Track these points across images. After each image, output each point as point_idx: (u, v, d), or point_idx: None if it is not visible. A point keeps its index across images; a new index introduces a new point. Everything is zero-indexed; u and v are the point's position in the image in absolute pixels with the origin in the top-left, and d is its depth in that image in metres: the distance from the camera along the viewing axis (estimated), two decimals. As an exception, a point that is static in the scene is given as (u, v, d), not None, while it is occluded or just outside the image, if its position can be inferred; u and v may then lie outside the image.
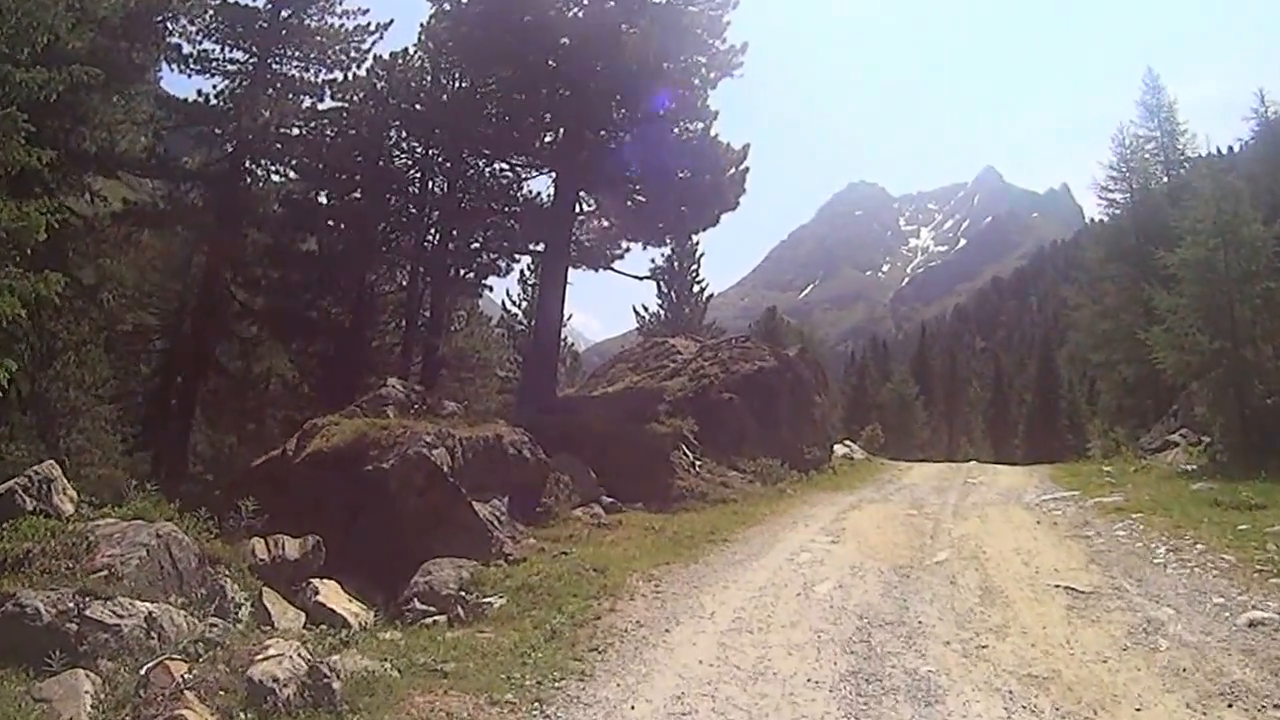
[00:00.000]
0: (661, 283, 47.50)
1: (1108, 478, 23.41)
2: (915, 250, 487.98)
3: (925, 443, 64.80)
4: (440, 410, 18.42)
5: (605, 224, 30.06)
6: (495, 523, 14.70)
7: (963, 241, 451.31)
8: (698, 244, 48.32)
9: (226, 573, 10.95)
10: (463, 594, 11.76)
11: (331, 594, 11.24)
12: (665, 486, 20.71)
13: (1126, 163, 40.29)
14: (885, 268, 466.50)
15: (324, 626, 9.93)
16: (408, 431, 15.09)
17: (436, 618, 11.16)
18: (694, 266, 49.08)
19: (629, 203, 28.27)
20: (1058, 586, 11.27)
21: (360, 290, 31.49)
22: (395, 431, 15.17)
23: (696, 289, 49.61)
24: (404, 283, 33.41)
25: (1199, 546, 13.02)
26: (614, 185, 27.96)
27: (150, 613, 8.36)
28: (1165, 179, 39.33)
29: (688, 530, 16.34)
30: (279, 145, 29.66)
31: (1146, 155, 40.12)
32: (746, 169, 27.31)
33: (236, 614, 9.99)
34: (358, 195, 30.81)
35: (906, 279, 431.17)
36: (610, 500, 18.95)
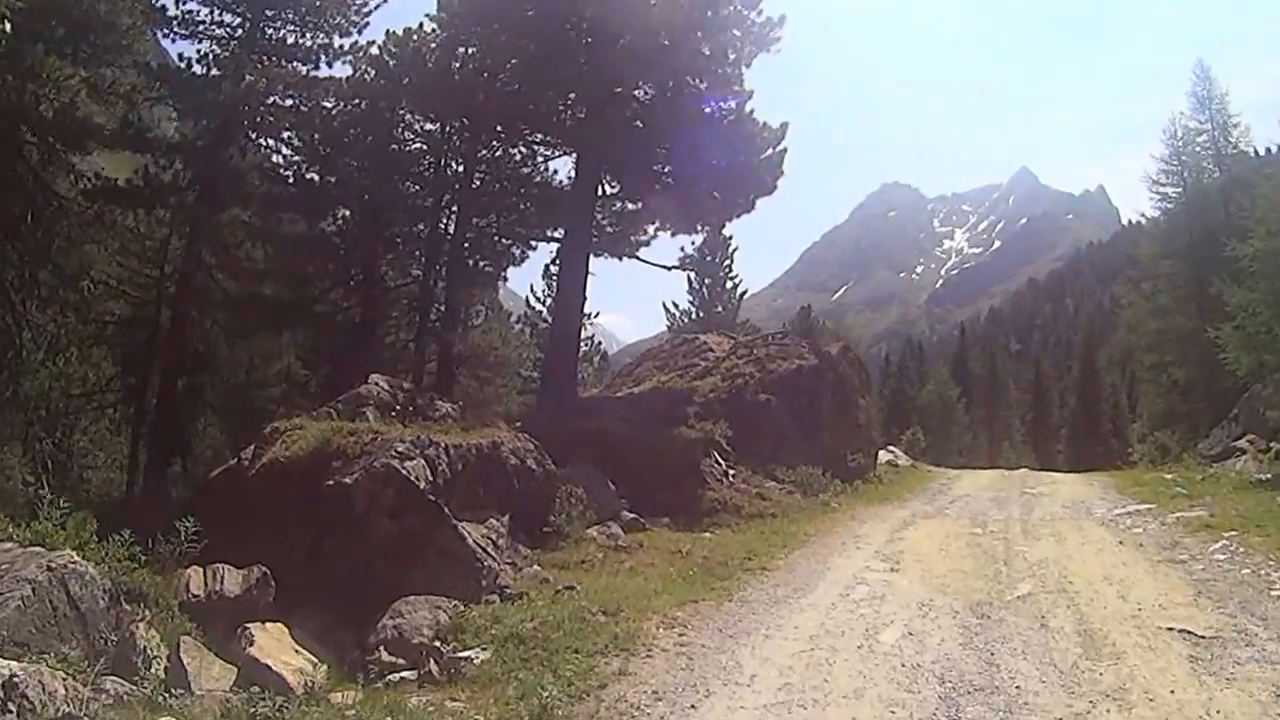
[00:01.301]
0: (692, 276, 45.32)
1: (1178, 488, 21.44)
2: (949, 252, 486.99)
3: (966, 447, 63.10)
4: (431, 412, 15.90)
5: (630, 208, 28.16)
6: (489, 549, 12.32)
7: (997, 243, 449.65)
8: (730, 237, 46.60)
9: (147, 615, 8.88)
10: (438, 644, 9.51)
11: (271, 644, 9.00)
12: (695, 499, 18.64)
13: (1179, 156, 38.99)
14: (919, 269, 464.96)
15: (256, 688, 7.66)
16: (378, 438, 12.63)
17: (405, 673, 9.01)
18: (727, 261, 46.73)
19: (656, 186, 26.38)
20: (1170, 629, 9.26)
21: (370, 281, 29.42)
22: (364, 439, 12.70)
23: (730, 285, 47.33)
24: (418, 274, 31.35)
25: None
26: (640, 167, 26.07)
27: (12, 675, 6.15)
28: (1217, 172, 38.04)
29: (720, 554, 14.15)
30: (270, 116, 27.46)
31: (1198, 148, 38.76)
32: (784, 150, 25.32)
33: (147, 670, 7.89)
34: (366, 179, 28.47)
35: (940, 280, 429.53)
36: (631, 516, 16.78)
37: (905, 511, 19.50)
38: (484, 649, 9.18)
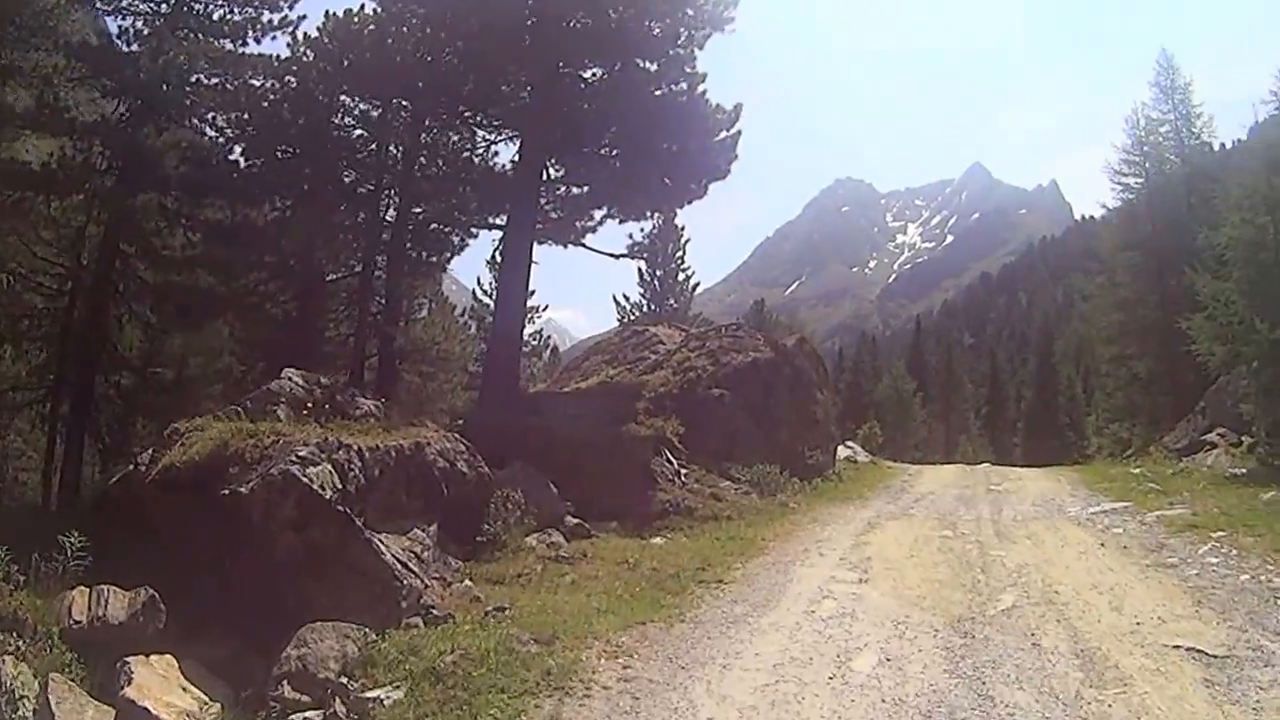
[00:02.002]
0: (643, 267, 44.55)
1: (1149, 484, 20.85)
2: (902, 246, 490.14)
3: (922, 441, 62.57)
4: (352, 410, 14.32)
5: (576, 192, 26.99)
6: (411, 564, 10.92)
7: (950, 238, 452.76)
8: (682, 227, 45.78)
9: (19, 645, 7.66)
10: (344, 680, 8.25)
11: (154, 681, 7.76)
12: (644, 501, 17.44)
13: (1141, 146, 38.30)
14: (872, 264, 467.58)
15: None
16: (280, 441, 11.06)
17: (310, 713, 7.77)
18: (679, 252, 45.81)
19: (604, 170, 25.35)
20: (1177, 647, 8.32)
21: (307, 272, 27.88)
22: (264, 441, 11.10)
23: (682, 276, 46.30)
24: (354, 265, 29.87)
25: None
26: (587, 150, 25.11)
27: None
28: (1180, 163, 37.24)
29: (671, 563, 12.89)
30: (193, 95, 25.93)
31: (1161, 139, 38.15)
32: (739, 133, 24.52)
33: (13, 714, 6.72)
34: (302, 164, 27.08)
35: (893, 275, 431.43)
36: (576, 521, 15.59)
37: (869, 512, 18.39)
38: (396, 687, 7.93)
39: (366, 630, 9.13)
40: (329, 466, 10.58)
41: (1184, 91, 37.77)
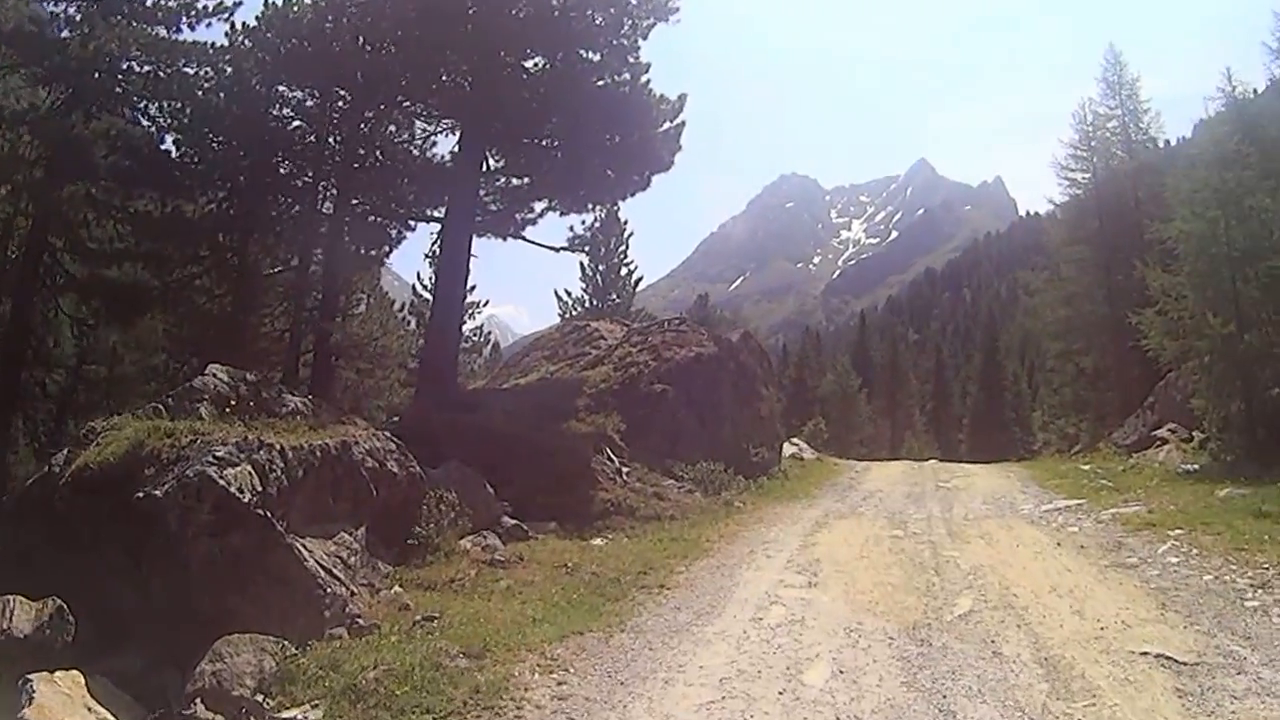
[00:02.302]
0: (585, 262, 43.90)
1: (1101, 480, 20.84)
2: (847, 242, 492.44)
3: (868, 438, 62.43)
4: (278, 408, 13.62)
5: (515, 183, 26.36)
6: (336, 570, 10.30)
7: (894, 234, 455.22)
8: (626, 222, 45.13)
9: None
10: (260, 698, 7.66)
11: (57, 701, 7.00)
12: (585, 501, 16.91)
13: (1088, 141, 38.68)
14: (816, 260, 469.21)
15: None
16: (198, 440, 10.34)
17: (224, 736, 7.13)
18: (622, 246, 45.23)
19: (545, 161, 24.87)
20: (1145, 654, 7.93)
21: (243, 266, 27.18)
22: (181, 441, 10.40)
23: (625, 271, 45.70)
24: (294, 260, 29.02)
25: None
26: (528, 141, 24.61)
27: None
28: (1127, 158, 37.65)
29: (612, 566, 12.33)
30: (125, 83, 25.24)
31: (1108, 134, 38.54)
32: (683, 124, 24.23)
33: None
34: (238, 155, 26.19)
35: (838, 271, 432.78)
36: (513, 523, 14.99)
37: (816, 511, 17.97)
38: (315, 706, 7.34)
39: (285, 643, 8.50)
40: (248, 468, 9.88)
41: (1131, 87, 38.12)
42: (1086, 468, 24.53)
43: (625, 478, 18.64)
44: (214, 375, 13.64)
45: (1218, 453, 20.60)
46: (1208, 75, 40.55)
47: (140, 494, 9.56)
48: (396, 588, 11.02)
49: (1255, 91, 32.00)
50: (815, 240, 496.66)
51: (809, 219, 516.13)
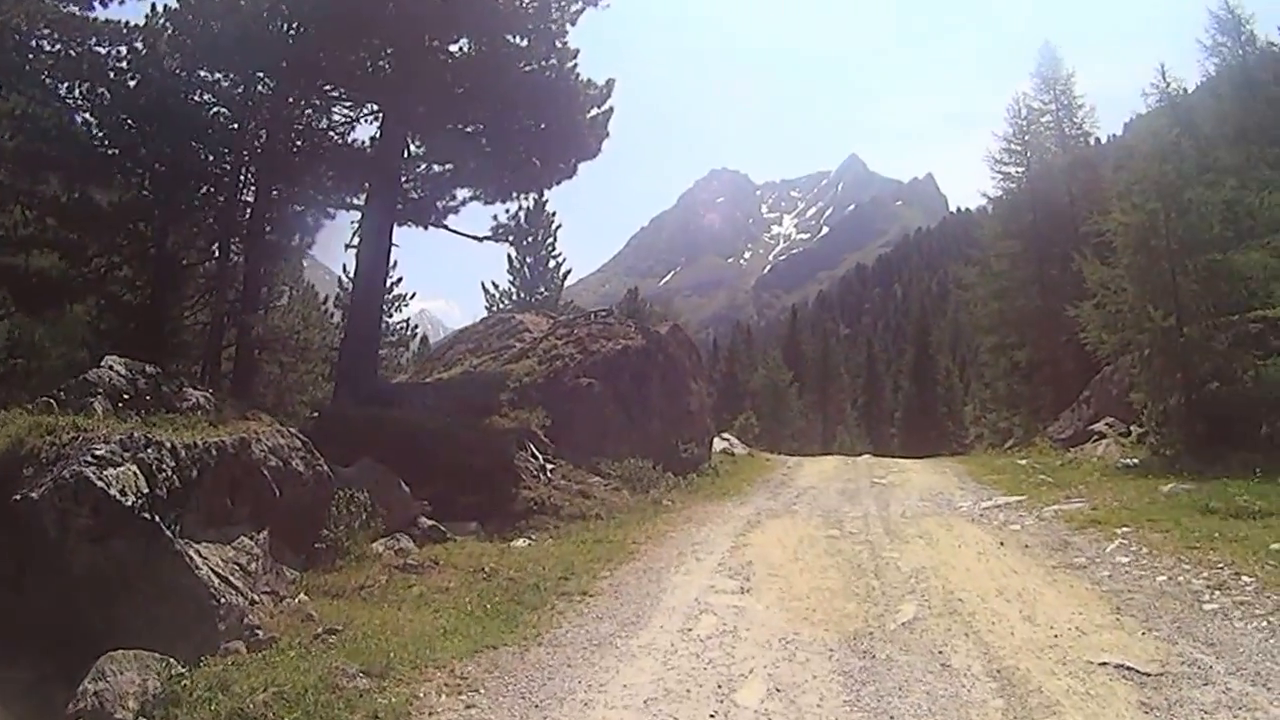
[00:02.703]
0: (512, 254, 43.24)
1: (1041, 475, 20.75)
2: (778, 238, 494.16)
3: (799, 432, 62.16)
4: (179, 402, 12.74)
5: (437, 169, 25.64)
6: (234, 577, 9.46)
7: (826, 229, 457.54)
8: (554, 214, 44.58)
9: None
10: (143, 721, 6.89)
11: None
12: (508, 499, 16.24)
13: (1022, 135, 39.04)
14: (747, 255, 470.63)
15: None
16: (80, 438, 9.37)
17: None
18: (550, 239, 44.57)
19: (469, 148, 24.16)
20: (1104, 664, 7.43)
21: (161, 256, 25.99)
22: (63, 438, 9.41)
23: (553, 264, 45.04)
24: (214, 251, 27.99)
25: (1245, 580, 9.79)
26: (452, 127, 23.95)
27: None
28: (1061, 153, 38.13)
29: (532, 571, 11.56)
30: (30, 62, 24.07)
31: (1042, 128, 38.99)
32: (611, 110, 23.79)
33: None
34: (158, 141, 24.99)
35: (768, 266, 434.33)
36: (430, 524, 14.22)
37: (748, 509, 17.36)
38: (200, 731, 6.50)
39: (171, 661, 7.69)
40: (133, 468, 8.97)
41: (1066, 83, 38.66)
42: (1023, 463, 24.39)
43: (549, 475, 18.01)
44: (110, 367, 12.67)
45: (1157, 447, 20.40)
46: (1135, 77, 41.17)
47: (18, 496, 8.69)
48: (302, 595, 10.24)
49: (1186, 90, 32.59)
50: (746, 235, 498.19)
51: (740, 214, 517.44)
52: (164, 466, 9.24)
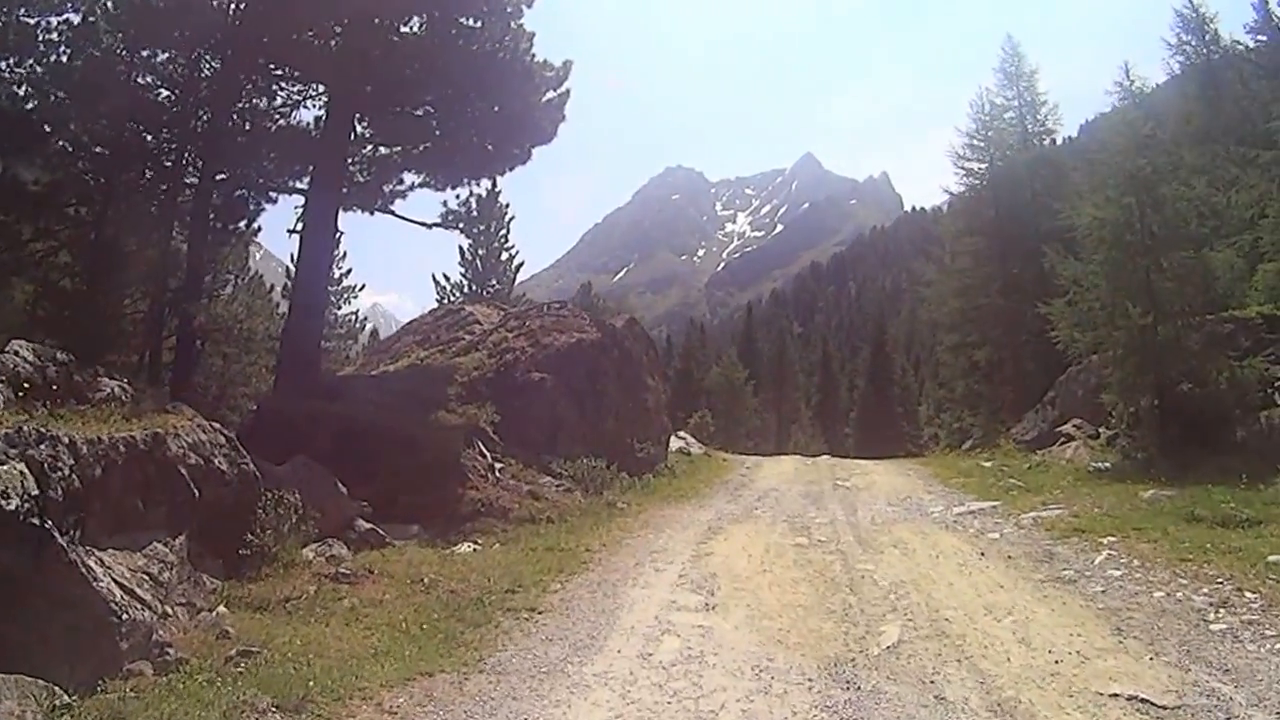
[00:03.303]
0: (465, 246, 42.27)
1: (1011, 479, 19.89)
2: (732, 235, 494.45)
3: (754, 430, 61.72)
4: (92, 392, 11.65)
5: (384, 152, 24.58)
6: (140, 589, 8.34)
7: (780, 227, 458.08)
8: (507, 205, 43.58)
9: None
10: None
11: None
12: (453, 500, 15.21)
13: (985, 131, 38.22)
14: (701, 252, 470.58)
15: None
16: None
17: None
18: (503, 230, 43.59)
19: (419, 132, 23.20)
20: (1115, 696, 6.70)
21: (99, 240, 24.80)
22: None
23: (505, 256, 44.02)
24: (155, 236, 26.79)
25: (1249, 597, 9.14)
26: (401, 110, 22.91)
27: None
28: (1024, 150, 37.30)
29: (476, 583, 10.62)
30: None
31: (1005, 125, 38.22)
32: (567, 92, 22.86)
33: None
34: (96, 120, 23.82)
35: (722, 264, 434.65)
36: (368, 527, 13.21)
37: (708, 513, 16.49)
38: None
39: (54, 689, 6.66)
40: (20, 466, 7.84)
41: (1029, 79, 38.04)
42: (989, 465, 23.78)
43: (498, 475, 17.04)
44: (16, 353, 11.44)
45: (1129, 450, 19.86)
46: (1090, 77, 40.88)
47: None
48: (221, 608, 9.17)
49: (1148, 88, 32.27)
50: (700, 233, 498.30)
51: (694, 211, 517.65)
52: (60, 465, 8.12)
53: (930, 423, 53.97)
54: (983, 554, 11.83)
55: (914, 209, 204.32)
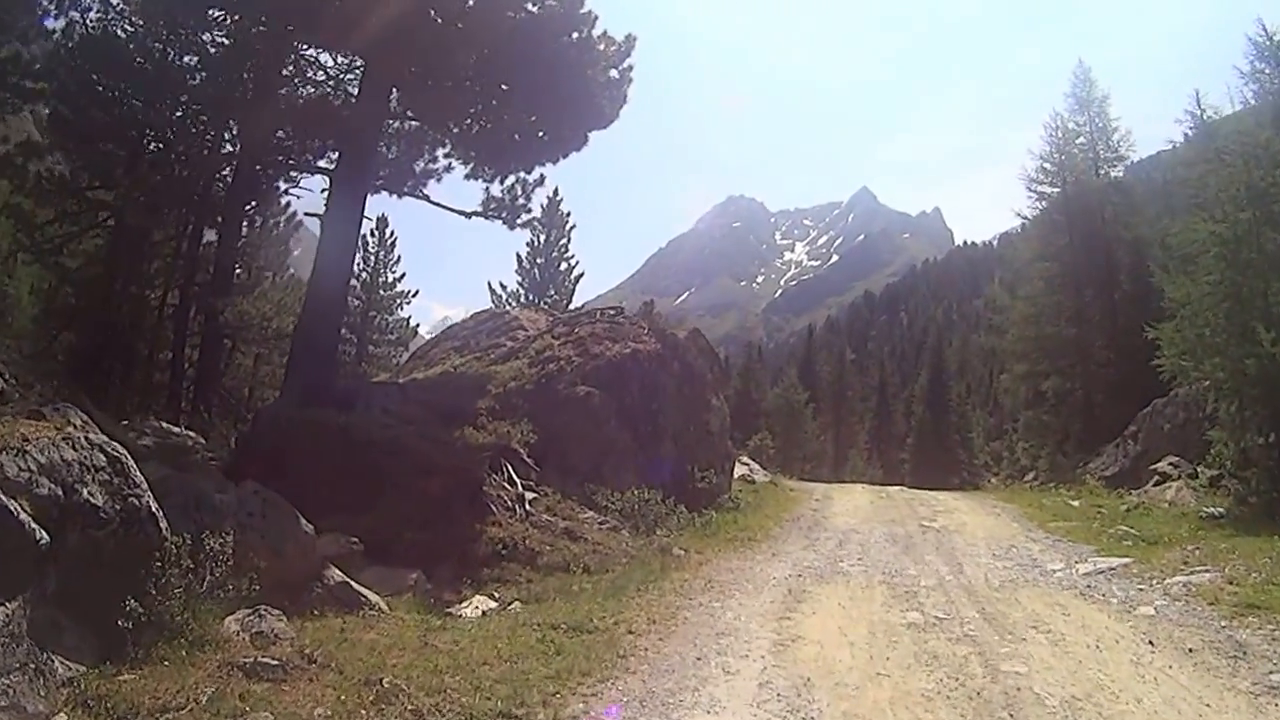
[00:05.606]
0: (523, 254, 39.52)
1: (1120, 526, 16.32)
2: (789, 264, 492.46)
3: (812, 454, 59.04)
4: None
5: (415, 126, 21.48)
6: None
7: (835, 257, 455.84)
8: (569, 214, 40.53)
9: None
10: None
11: None
12: (469, 539, 11.77)
13: (1058, 155, 36.32)
14: (760, 279, 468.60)
15: None
16: None
17: None
18: (563, 239, 40.29)
19: (464, 107, 19.90)
20: None
21: (120, 227, 22.72)
22: None
23: (564, 266, 40.51)
24: (187, 227, 24.93)
25: None
26: (441, 80, 19.37)
27: None
28: (1096, 176, 35.42)
29: (458, 695, 6.51)
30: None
31: (1077, 150, 36.25)
32: (630, 69, 19.52)
33: None
34: (131, 101, 22.05)
35: (779, 290, 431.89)
36: (340, 579, 9.37)
37: (784, 567, 12.69)
38: None
39: None
40: None
41: (1100, 104, 36.39)
42: (1076, 504, 20.79)
43: (529, 508, 13.58)
44: None
45: (1242, 494, 16.55)
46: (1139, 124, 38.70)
47: None
48: (61, 716, 5.73)
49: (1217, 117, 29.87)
50: (759, 260, 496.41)
51: (754, 240, 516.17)
52: None
53: (982, 451, 51.29)
54: (1152, 644, 8.26)
55: (965, 243, 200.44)
